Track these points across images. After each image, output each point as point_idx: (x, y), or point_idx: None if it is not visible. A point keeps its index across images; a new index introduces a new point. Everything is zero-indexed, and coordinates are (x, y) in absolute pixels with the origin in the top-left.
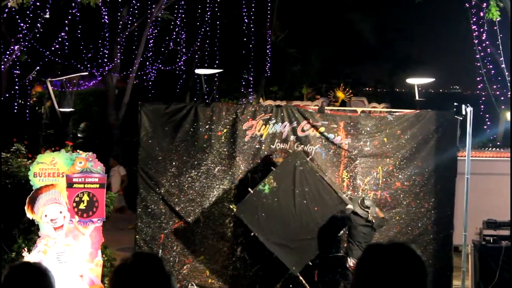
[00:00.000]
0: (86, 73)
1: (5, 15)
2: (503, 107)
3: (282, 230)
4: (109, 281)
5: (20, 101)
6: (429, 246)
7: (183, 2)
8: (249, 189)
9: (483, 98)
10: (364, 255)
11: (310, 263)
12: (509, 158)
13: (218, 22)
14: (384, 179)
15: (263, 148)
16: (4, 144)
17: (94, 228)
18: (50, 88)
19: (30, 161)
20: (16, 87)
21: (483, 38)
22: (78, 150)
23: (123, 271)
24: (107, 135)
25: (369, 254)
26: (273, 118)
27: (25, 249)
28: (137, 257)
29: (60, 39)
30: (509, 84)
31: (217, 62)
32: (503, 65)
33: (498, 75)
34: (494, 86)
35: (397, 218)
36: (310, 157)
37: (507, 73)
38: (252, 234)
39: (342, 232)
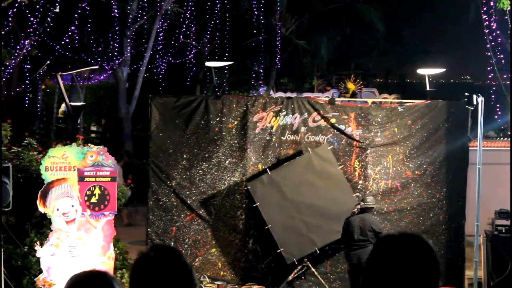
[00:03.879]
0: (97, 67)
1: (15, 10)
2: None
3: (287, 218)
4: (130, 272)
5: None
6: (441, 236)
7: None
8: (267, 170)
9: (494, 88)
10: (375, 246)
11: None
12: None
13: (228, 14)
14: (394, 168)
15: (273, 139)
16: (15, 138)
17: (106, 221)
18: (61, 82)
19: (41, 155)
20: (27, 81)
21: (494, 27)
22: (89, 144)
23: (144, 263)
24: (118, 128)
25: (380, 245)
26: (283, 110)
27: (38, 243)
28: (157, 249)
29: (70, 33)
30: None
31: (227, 54)
32: None
33: (509, 64)
34: (505, 76)
35: (409, 208)
36: (331, 147)
37: None
38: (266, 227)
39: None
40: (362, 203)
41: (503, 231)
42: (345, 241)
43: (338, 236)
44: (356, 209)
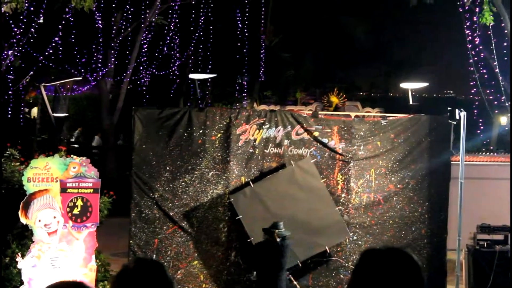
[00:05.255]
0: (80, 78)
1: None
2: (496, 111)
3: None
4: (111, 285)
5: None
6: (423, 250)
7: (176, 7)
8: (250, 182)
9: (477, 103)
10: (361, 260)
11: (300, 265)
12: (503, 163)
13: (212, 26)
14: (377, 181)
15: (256, 152)
16: None
17: (88, 233)
18: (44, 93)
19: (23, 166)
20: (10, 92)
21: (477, 42)
22: (72, 155)
23: (124, 276)
24: (102, 140)
25: (366, 259)
26: (267, 123)
27: (19, 254)
28: (139, 262)
29: (54, 44)
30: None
31: (210, 67)
32: (497, 70)
33: (492, 80)
34: (488, 91)
35: (391, 222)
36: (314, 160)
37: (500, 77)
38: (248, 240)
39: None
40: (277, 230)
41: (485, 245)
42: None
43: (320, 249)
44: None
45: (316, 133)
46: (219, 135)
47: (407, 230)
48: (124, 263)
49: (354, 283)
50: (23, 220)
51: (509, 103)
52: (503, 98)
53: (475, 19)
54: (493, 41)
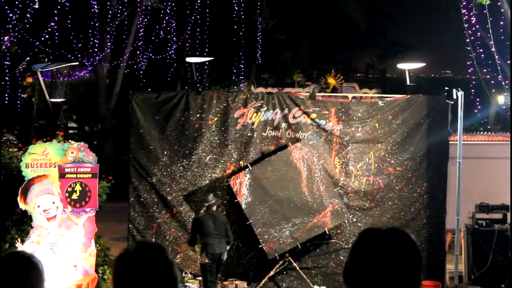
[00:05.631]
0: (77, 63)
1: None
2: (493, 90)
3: (269, 213)
4: (112, 268)
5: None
6: (422, 230)
7: None
8: (249, 165)
9: (474, 82)
10: (361, 239)
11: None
12: (501, 142)
13: (208, 10)
14: (376, 165)
15: (255, 136)
16: None
17: (87, 218)
18: (41, 78)
19: (21, 151)
20: (7, 78)
21: (473, 22)
22: (69, 140)
23: (126, 259)
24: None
25: (366, 238)
26: (264, 106)
27: (19, 240)
28: (140, 245)
29: (50, 29)
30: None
31: (207, 50)
32: (493, 49)
33: (488, 59)
34: (484, 70)
35: (390, 203)
36: (311, 143)
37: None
38: (247, 223)
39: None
40: (206, 203)
41: (484, 224)
42: (200, 238)
43: (320, 231)
44: (202, 210)
45: (313, 115)
46: (216, 119)
47: (406, 211)
48: (126, 247)
49: (352, 262)
50: (22, 206)
51: (507, 81)
52: (499, 77)
53: None
54: (489, 21)
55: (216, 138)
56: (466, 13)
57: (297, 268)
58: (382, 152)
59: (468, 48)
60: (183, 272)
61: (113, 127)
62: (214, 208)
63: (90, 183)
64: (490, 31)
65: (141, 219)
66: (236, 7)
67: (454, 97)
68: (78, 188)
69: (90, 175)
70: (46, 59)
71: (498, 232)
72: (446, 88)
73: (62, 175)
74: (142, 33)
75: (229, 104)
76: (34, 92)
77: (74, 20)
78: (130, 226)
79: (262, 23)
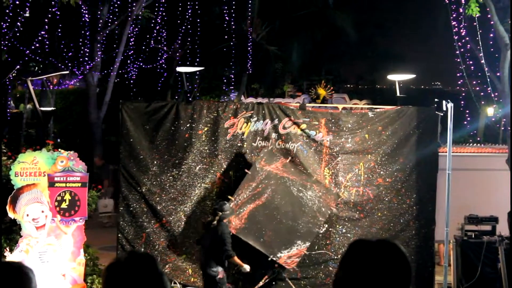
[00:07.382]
0: (67, 72)
1: None
2: (482, 102)
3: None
4: (102, 277)
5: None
6: (411, 242)
7: (163, 0)
8: (246, 170)
9: (463, 94)
10: (351, 250)
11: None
12: (490, 153)
13: (199, 20)
14: (366, 175)
15: (245, 146)
16: None
17: (76, 227)
18: (31, 87)
19: (11, 160)
20: None
21: (463, 34)
22: (59, 149)
23: (116, 268)
24: (89, 134)
25: (356, 249)
26: (254, 116)
27: (7, 248)
28: (131, 255)
29: (40, 38)
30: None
31: (198, 60)
32: (483, 61)
33: (478, 71)
34: (474, 82)
35: (379, 214)
36: (292, 155)
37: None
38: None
39: (324, 229)
40: (221, 213)
41: (473, 236)
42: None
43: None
44: (216, 219)
45: (303, 126)
46: (206, 129)
47: (395, 222)
48: (116, 256)
49: (342, 274)
50: (11, 214)
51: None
52: (489, 89)
53: (461, 10)
54: (479, 33)
55: (206, 148)
56: (456, 25)
57: (287, 278)
58: (372, 163)
59: (458, 60)
60: (172, 282)
61: (103, 136)
62: (225, 220)
63: (79, 192)
64: (480, 43)
65: (130, 228)
66: (226, 17)
67: (444, 108)
68: (67, 197)
69: (79, 184)
70: (36, 68)
71: (487, 244)
72: (436, 99)
73: (51, 184)
74: (132, 43)
75: (219, 114)
76: (24, 101)
77: (65, 29)
78: (119, 235)
79: (252, 33)
